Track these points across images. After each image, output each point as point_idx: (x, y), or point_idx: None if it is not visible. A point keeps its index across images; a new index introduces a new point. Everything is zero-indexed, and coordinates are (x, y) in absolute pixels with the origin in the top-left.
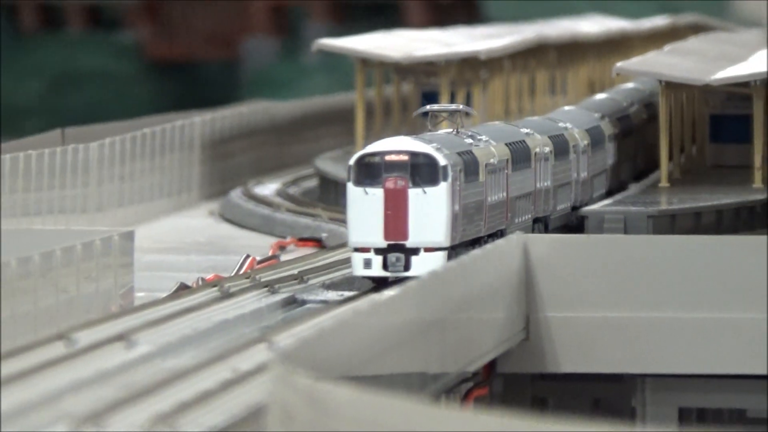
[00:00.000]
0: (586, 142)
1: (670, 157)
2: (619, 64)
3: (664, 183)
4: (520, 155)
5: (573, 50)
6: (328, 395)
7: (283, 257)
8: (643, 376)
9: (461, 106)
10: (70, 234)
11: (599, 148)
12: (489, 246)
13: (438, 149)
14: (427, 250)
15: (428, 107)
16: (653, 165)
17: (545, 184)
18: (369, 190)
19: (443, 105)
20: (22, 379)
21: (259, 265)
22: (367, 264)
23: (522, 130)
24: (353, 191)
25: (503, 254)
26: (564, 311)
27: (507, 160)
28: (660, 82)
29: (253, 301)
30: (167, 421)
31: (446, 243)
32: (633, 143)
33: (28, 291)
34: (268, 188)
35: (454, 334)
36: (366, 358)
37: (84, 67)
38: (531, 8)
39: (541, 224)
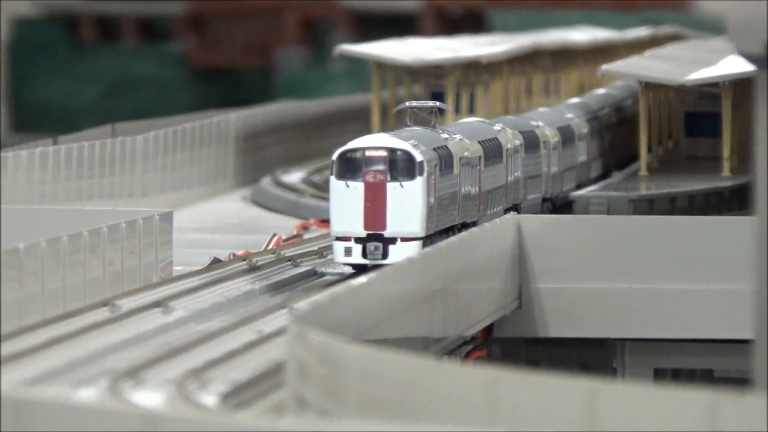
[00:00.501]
0: (556, 139)
1: (649, 149)
2: (604, 66)
3: (643, 172)
4: (492, 151)
5: (565, 56)
6: (338, 352)
7: (306, 236)
8: (623, 341)
9: (437, 103)
10: (115, 214)
11: (569, 145)
12: (487, 224)
13: (415, 145)
14: (404, 239)
15: (407, 104)
16: (621, 163)
17: (516, 176)
18: (350, 183)
19: (421, 102)
20: (72, 339)
21: (284, 243)
22: (348, 252)
23: (494, 127)
24: (335, 184)
25: (499, 232)
26: (553, 283)
27: (480, 155)
28: (640, 82)
29: (277, 273)
30: (198, 376)
31: (421, 233)
32: (602, 142)
33: (78, 264)
34: (294, 176)
35: (455, 301)
36: (374, 322)
37: (136, 74)
38: (529, 21)
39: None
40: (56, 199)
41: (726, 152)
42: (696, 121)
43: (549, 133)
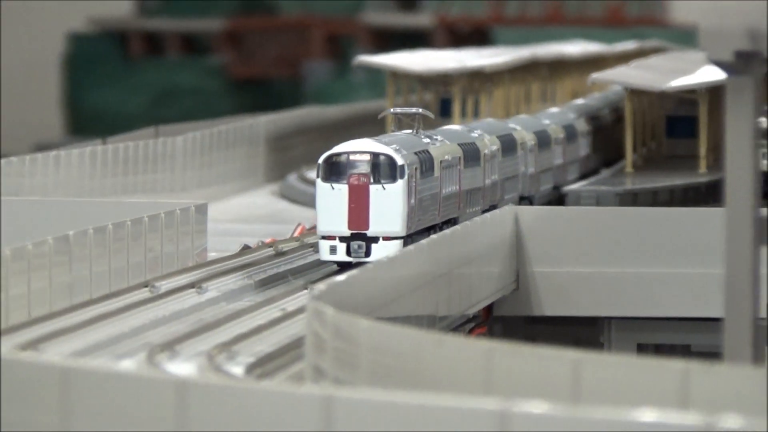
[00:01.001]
0: (533, 142)
1: (634, 149)
2: (594, 75)
3: (629, 169)
4: (471, 154)
5: (560, 66)
6: (351, 327)
7: None
8: (609, 319)
9: (420, 110)
10: (156, 206)
11: (546, 148)
12: (487, 215)
13: (397, 150)
14: (386, 238)
15: (391, 110)
16: (595, 168)
17: (493, 178)
18: (335, 185)
19: (405, 108)
20: (116, 317)
21: (308, 231)
22: (333, 250)
23: (473, 133)
24: (321, 186)
25: (498, 221)
26: (547, 267)
27: (459, 158)
28: (626, 89)
29: (300, 258)
30: (227, 348)
31: (402, 232)
32: (577, 147)
33: (122, 250)
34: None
35: (459, 283)
36: (385, 302)
37: (180, 85)
38: (529, 36)
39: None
40: (103, 192)
41: (702, 151)
42: (676, 123)
43: (526, 137)
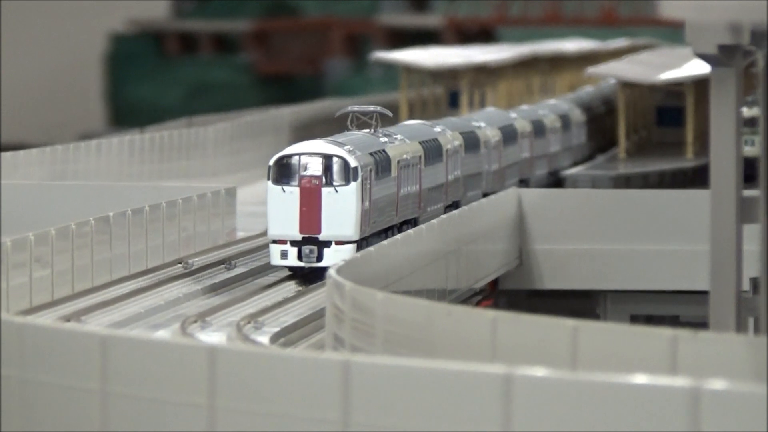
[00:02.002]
0: (497, 138)
1: (627, 137)
2: (589, 69)
3: (622, 155)
4: (432, 151)
5: (558, 62)
6: (367, 299)
7: None
8: (605, 292)
9: (378, 108)
10: (189, 189)
11: (511, 144)
12: (492, 196)
13: (350, 151)
14: (338, 242)
15: (348, 108)
16: (565, 164)
17: (456, 175)
18: (286, 188)
19: (363, 107)
20: (152, 290)
21: None
22: (284, 255)
23: (435, 129)
24: (272, 189)
25: (503, 202)
26: (548, 244)
27: (420, 156)
28: (619, 81)
29: None
30: (254, 319)
31: (355, 236)
32: (546, 143)
33: (158, 230)
34: None
35: (466, 259)
36: (399, 276)
37: (212, 81)
38: (531, 34)
39: (453, 209)
40: (141, 178)
41: (689, 139)
42: (665, 113)
43: (490, 133)
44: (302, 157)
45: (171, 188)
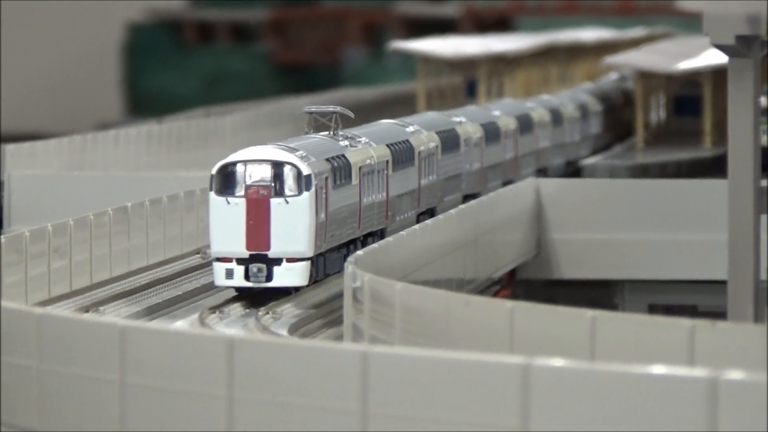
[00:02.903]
0: (479, 135)
1: (645, 127)
2: (607, 59)
3: (640, 144)
4: (402, 155)
5: (576, 51)
6: (386, 289)
7: None
8: (623, 282)
9: (338, 108)
10: (207, 179)
11: (494, 142)
12: (510, 186)
13: (303, 157)
14: (290, 260)
15: (306, 108)
16: (559, 163)
17: (431, 179)
18: (231, 199)
19: (321, 107)
20: (170, 281)
21: None
22: (229, 274)
23: (407, 129)
24: (215, 200)
25: (521, 193)
26: (566, 234)
27: (387, 161)
28: (637, 71)
29: None
30: (273, 310)
31: (309, 252)
32: (534, 140)
33: (176, 220)
34: None
35: (484, 249)
36: (417, 266)
37: (229, 70)
38: (549, 23)
39: (428, 216)
40: (159, 168)
41: (707, 128)
42: (682, 103)
43: (471, 130)
44: (248, 164)
45: (189, 178)
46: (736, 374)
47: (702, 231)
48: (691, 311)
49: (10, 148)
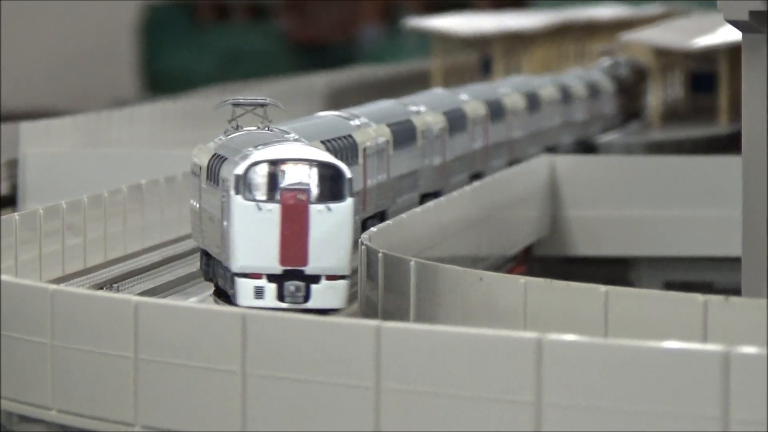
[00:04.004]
0: (441, 126)
1: (661, 103)
2: (624, 36)
3: (656, 121)
4: (345, 151)
5: (592, 28)
6: (400, 264)
7: None
8: (639, 258)
9: (268, 100)
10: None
11: (460, 132)
12: (525, 163)
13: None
14: (329, 277)
15: (231, 100)
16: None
17: (379, 179)
18: (263, 205)
19: (249, 98)
20: (185, 258)
21: None
22: (259, 293)
23: (352, 122)
24: (241, 206)
25: (535, 169)
26: (581, 210)
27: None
28: (653, 48)
29: None
30: None
31: (348, 270)
32: (509, 128)
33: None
34: None
35: (499, 226)
36: (432, 243)
37: (245, 48)
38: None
39: (378, 220)
40: (174, 145)
41: (723, 105)
42: (699, 80)
43: (431, 120)
44: (283, 164)
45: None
46: (748, 349)
47: (718, 207)
48: (708, 288)
49: (25, 126)
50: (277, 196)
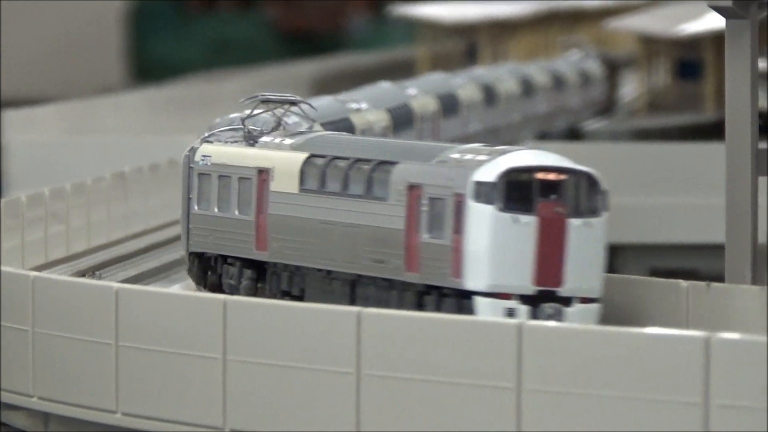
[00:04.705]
0: (384, 124)
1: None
2: (611, 23)
3: (642, 108)
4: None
5: (579, 16)
6: None
7: None
8: (624, 245)
9: (297, 97)
10: None
11: (407, 129)
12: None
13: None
14: (584, 300)
15: (260, 96)
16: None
17: None
18: (520, 217)
19: (278, 95)
20: (168, 245)
21: None
22: (511, 315)
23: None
24: (497, 217)
25: None
26: None
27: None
28: (640, 35)
29: None
30: None
31: (600, 292)
32: (465, 123)
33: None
34: None
35: None
36: None
37: (233, 37)
38: None
39: None
40: (161, 132)
41: (709, 92)
42: (685, 67)
43: (372, 118)
44: (539, 173)
45: (189, 143)
46: (730, 335)
47: (704, 195)
48: (693, 275)
49: (9, 113)
50: (534, 209)
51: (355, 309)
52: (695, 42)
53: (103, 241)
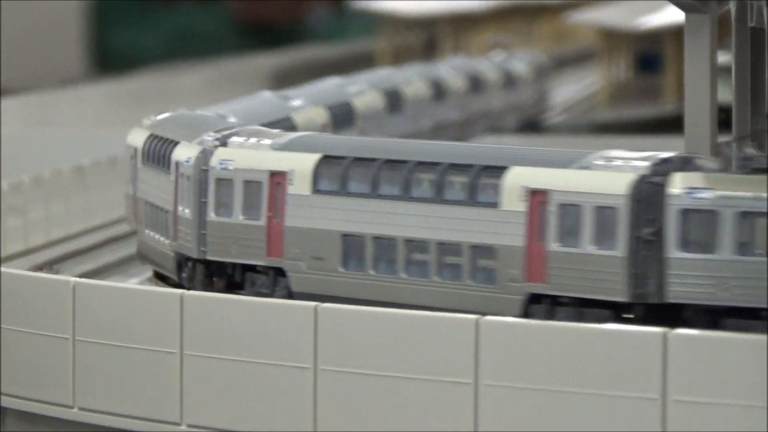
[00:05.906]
0: (322, 122)
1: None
2: (570, 15)
3: (603, 101)
4: None
5: (541, 10)
6: None
7: None
8: None
9: None
10: None
11: (347, 129)
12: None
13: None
14: None
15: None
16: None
17: None
18: None
19: None
20: (128, 239)
21: None
22: None
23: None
24: None
25: None
26: None
27: None
28: (600, 28)
29: None
30: None
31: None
32: (416, 120)
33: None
34: None
35: None
36: None
37: (194, 28)
38: None
39: None
40: (120, 125)
41: (669, 85)
42: (645, 60)
43: (312, 116)
44: None
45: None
46: (687, 331)
47: None
48: None
49: None
50: None
51: (312, 304)
52: (656, 35)
53: (62, 235)
